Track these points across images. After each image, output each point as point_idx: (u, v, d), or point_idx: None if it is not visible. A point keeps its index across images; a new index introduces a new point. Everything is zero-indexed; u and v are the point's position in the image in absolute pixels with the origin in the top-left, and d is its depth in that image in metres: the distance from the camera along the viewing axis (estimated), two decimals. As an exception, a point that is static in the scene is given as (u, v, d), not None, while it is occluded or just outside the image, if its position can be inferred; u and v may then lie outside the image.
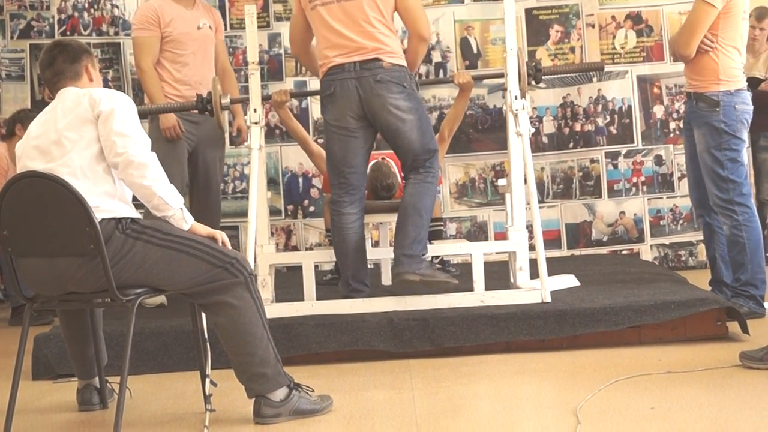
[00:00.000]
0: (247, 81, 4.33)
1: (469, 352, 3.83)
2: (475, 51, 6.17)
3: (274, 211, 5.87)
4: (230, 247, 3.01)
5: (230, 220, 5.95)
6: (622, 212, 6.10)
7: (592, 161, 6.11)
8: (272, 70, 6.17)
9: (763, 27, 5.80)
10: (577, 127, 6.12)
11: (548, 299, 3.96)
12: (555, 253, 5.89)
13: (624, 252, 6.05)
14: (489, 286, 4.07)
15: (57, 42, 3.15)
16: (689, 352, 3.67)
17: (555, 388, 3.33)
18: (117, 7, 6.13)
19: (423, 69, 6.05)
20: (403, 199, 4.01)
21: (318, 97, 5.28)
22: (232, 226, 5.92)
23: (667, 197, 6.08)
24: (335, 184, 4.07)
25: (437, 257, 4.81)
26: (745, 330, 3.83)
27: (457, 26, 6.17)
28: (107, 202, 2.85)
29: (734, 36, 4.19)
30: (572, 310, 3.84)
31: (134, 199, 2.92)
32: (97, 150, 2.86)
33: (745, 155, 4.51)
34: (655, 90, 6.10)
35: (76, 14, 6.12)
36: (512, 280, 4.22)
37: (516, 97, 4.12)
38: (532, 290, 4.02)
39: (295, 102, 6.07)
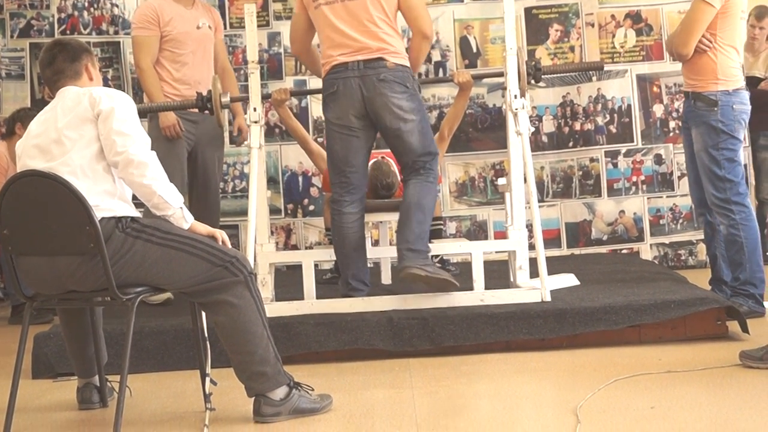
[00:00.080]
0: (246, 80, 4.34)
1: (468, 351, 3.83)
2: (474, 50, 6.17)
3: (273, 210, 5.86)
4: (230, 246, 3.01)
5: (230, 219, 5.95)
6: (622, 211, 6.10)
7: (592, 160, 6.11)
8: (272, 69, 6.17)
9: (763, 26, 5.81)
10: (577, 126, 6.12)
11: (548, 298, 3.96)
12: (555, 252, 5.89)
13: (624, 251, 6.05)
14: (489, 285, 4.07)
15: (57, 41, 3.15)
16: (689, 351, 3.67)
17: (555, 388, 3.33)
18: (117, 6, 6.13)
19: (422, 68, 6.04)
20: (404, 197, 4.00)
21: (318, 96, 5.31)
22: (231, 225, 5.92)
23: (667, 196, 6.08)
24: (336, 183, 4.07)
25: (437, 256, 4.80)
26: (745, 329, 3.83)
27: (457, 25, 6.17)
28: (107, 201, 2.85)
29: (732, 35, 4.19)
30: (572, 310, 3.84)
31: (134, 198, 2.93)
32: (97, 149, 2.86)
33: (743, 155, 4.51)
34: (655, 89, 6.09)
35: (76, 13, 6.11)
36: (512, 279, 4.22)
37: (516, 96, 4.12)
38: (532, 289, 4.01)
39: (294, 101, 6.06)
